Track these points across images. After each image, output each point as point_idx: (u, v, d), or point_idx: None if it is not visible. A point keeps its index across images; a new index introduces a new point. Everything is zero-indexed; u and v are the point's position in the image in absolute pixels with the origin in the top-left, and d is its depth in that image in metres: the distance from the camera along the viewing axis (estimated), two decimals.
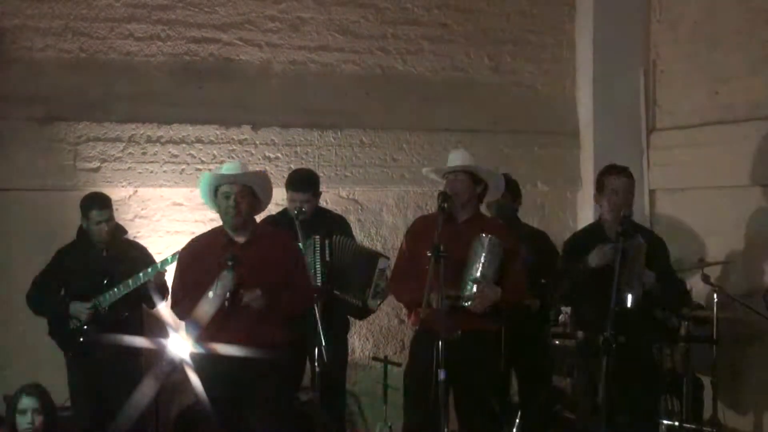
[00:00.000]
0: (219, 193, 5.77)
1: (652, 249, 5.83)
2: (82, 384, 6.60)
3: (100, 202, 6.61)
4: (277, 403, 5.81)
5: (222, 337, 5.61)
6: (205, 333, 5.61)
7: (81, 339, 6.49)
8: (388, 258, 6.82)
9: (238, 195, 5.70)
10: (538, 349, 7.19)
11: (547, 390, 7.34)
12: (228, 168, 5.86)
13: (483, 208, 6.38)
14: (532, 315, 6.97)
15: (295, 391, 6.69)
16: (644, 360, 6.02)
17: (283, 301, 5.75)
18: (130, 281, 6.46)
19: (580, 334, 6.13)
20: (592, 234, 6.12)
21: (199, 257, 5.84)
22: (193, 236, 6.27)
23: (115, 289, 6.48)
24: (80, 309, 6.48)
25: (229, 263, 5.56)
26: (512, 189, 7.13)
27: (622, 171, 6.06)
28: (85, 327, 6.48)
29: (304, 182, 6.71)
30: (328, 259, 6.51)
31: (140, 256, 6.73)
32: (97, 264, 6.58)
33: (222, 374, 5.65)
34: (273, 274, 5.75)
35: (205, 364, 5.70)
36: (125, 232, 6.91)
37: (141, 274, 6.44)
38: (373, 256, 6.76)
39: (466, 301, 5.76)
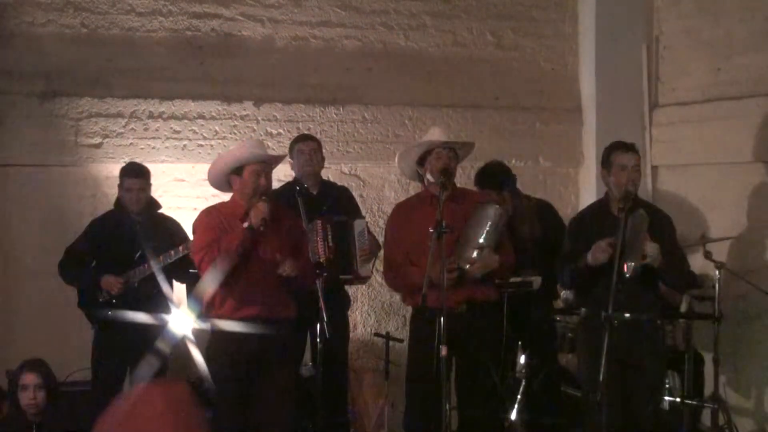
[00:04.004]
0: None
1: (658, 225, 5.79)
2: (107, 353, 6.56)
3: (135, 171, 6.69)
4: (285, 380, 5.85)
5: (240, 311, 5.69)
6: (218, 306, 5.69)
7: (109, 312, 6.46)
8: (363, 217, 6.88)
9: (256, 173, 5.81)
10: (542, 326, 7.18)
11: (551, 367, 7.32)
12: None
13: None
14: (534, 292, 6.95)
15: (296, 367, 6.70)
16: (651, 337, 5.96)
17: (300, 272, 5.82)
18: (161, 257, 6.47)
19: (583, 311, 6.11)
20: (598, 212, 6.06)
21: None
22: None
23: (145, 266, 6.46)
24: (113, 282, 6.49)
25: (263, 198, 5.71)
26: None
27: (629, 147, 6.04)
28: (114, 301, 6.49)
29: (308, 138, 7.02)
30: (331, 244, 6.51)
31: (174, 231, 6.74)
32: (130, 236, 6.56)
33: (237, 351, 5.69)
34: (289, 239, 5.88)
35: (222, 341, 5.77)
36: (159, 206, 6.90)
37: (172, 252, 6.46)
38: (346, 224, 6.67)
39: (466, 264, 5.79)
